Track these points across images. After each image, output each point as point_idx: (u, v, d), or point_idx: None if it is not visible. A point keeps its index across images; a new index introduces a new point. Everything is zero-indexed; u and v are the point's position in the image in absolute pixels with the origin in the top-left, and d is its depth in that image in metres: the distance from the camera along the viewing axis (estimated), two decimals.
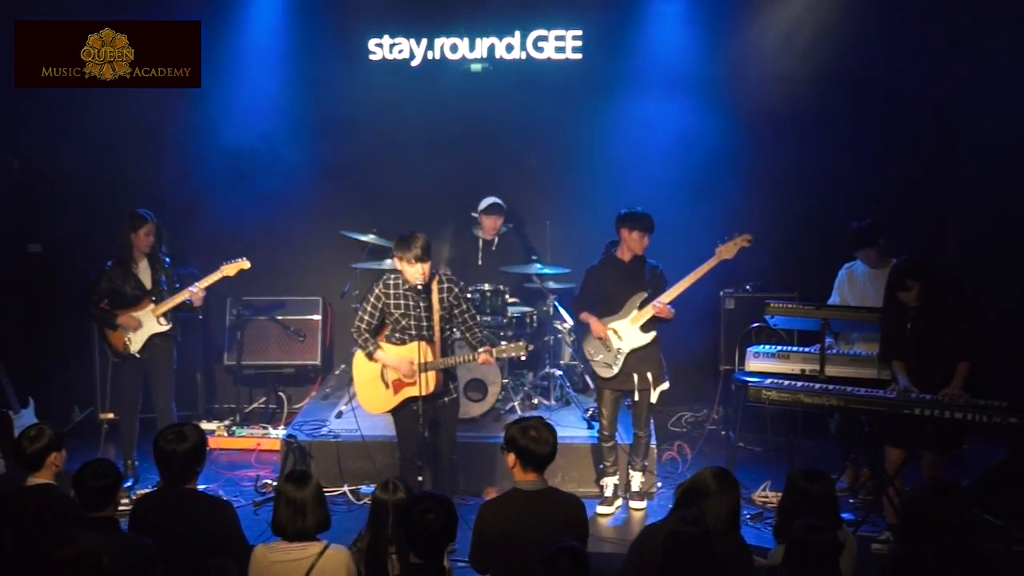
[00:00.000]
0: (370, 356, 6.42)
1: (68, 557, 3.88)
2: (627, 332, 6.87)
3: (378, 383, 6.51)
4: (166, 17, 7.60)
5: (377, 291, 6.41)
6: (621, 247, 6.90)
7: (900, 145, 8.67)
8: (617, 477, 7.14)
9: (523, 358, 6.73)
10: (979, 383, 6.23)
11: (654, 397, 6.93)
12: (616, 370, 6.89)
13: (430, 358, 6.27)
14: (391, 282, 6.38)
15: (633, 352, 6.86)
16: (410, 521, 4.18)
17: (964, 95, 8.41)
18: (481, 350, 6.38)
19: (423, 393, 6.22)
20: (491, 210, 8.45)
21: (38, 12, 7.60)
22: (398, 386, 6.47)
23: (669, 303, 6.77)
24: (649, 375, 6.85)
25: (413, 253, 6.09)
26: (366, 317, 6.43)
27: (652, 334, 6.85)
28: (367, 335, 6.42)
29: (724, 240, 6.81)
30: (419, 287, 6.21)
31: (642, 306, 6.81)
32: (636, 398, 6.92)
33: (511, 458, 4.69)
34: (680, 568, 4.03)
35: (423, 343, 6.26)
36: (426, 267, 6.16)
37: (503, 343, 6.68)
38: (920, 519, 4.34)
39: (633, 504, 7.10)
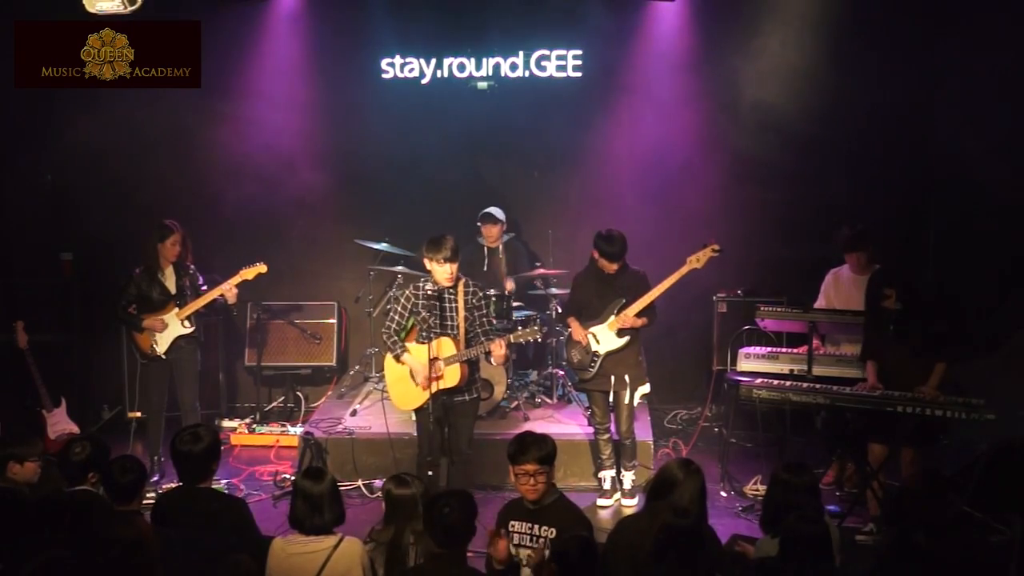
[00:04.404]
0: (397, 359, 6.38)
1: (126, 538, 3.87)
2: (604, 336, 6.81)
3: (408, 381, 6.41)
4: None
5: (408, 294, 6.39)
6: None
7: (881, 155, 8.58)
8: (614, 470, 7.08)
9: (539, 340, 6.64)
10: (955, 384, 6.22)
11: (636, 399, 6.87)
12: (593, 372, 6.86)
13: (455, 351, 6.23)
14: (421, 285, 6.34)
15: (610, 355, 6.81)
16: (432, 514, 4.14)
17: (943, 104, 8.31)
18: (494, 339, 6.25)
19: (450, 385, 6.21)
20: (484, 219, 8.40)
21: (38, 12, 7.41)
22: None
23: (641, 310, 6.70)
24: (626, 376, 6.79)
25: (443, 254, 6.09)
26: (396, 318, 6.40)
27: (627, 338, 6.78)
28: (396, 337, 6.40)
29: (695, 251, 6.75)
30: (446, 288, 6.19)
31: (619, 312, 6.75)
32: (612, 399, 6.87)
33: None
34: (672, 557, 4.01)
35: (447, 338, 6.23)
36: (454, 267, 6.15)
37: (519, 328, 6.63)
38: (913, 509, 4.31)
39: (624, 502, 7.03)
